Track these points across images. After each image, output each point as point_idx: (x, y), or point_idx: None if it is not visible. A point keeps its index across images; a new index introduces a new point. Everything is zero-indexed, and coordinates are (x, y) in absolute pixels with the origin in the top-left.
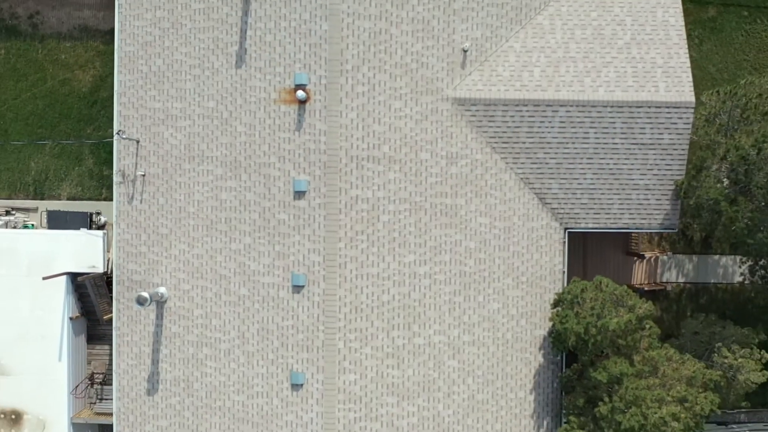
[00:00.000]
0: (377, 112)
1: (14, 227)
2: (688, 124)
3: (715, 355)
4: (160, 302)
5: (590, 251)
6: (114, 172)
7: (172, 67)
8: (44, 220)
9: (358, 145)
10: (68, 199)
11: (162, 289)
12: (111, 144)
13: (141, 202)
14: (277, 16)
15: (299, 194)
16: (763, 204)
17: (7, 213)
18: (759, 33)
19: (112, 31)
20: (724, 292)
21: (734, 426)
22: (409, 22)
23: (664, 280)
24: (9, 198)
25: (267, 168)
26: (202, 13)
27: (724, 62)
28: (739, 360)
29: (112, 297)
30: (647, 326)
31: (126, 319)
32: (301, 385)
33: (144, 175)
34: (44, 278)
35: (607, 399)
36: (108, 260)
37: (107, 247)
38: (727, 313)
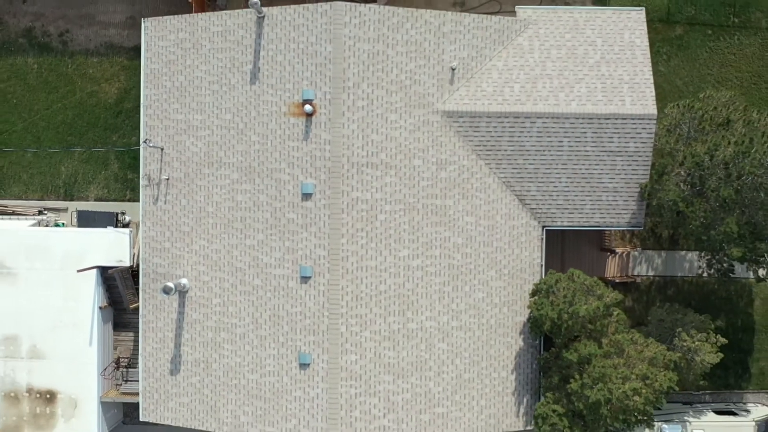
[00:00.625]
0: (375, 123)
1: (46, 225)
2: (651, 133)
3: (676, 339)
4: (182, 292)
5: (568, 247)
6: (141, 176)
7: (193, 83)
8: (74, 219)
9: (358, 152)
10: (96, 200)
11: (184, 280)
12: (136, 151)
13: (165, 203)
14: (287, 38)
15: (306, 196)
16: (716, 205)
17: (40, 213)
18: (722, 50)
19: (135, 48)
20: (690, 285)
21: (698, 405)
22: (403, 44)
23: (635, 273)
24: (41, 199)
25: (278, 173)
26: (220, 35)
27: (690, 76)
28: (697, 343)
29: (137, 288)
30: (615, 313)
31: (151, 308)
32: (308, 364)
33: (168, 179)
34: (78, 271)
35: (577, 377)
36: (134, 255)
37: (133, 244)
38: (692, 304)
